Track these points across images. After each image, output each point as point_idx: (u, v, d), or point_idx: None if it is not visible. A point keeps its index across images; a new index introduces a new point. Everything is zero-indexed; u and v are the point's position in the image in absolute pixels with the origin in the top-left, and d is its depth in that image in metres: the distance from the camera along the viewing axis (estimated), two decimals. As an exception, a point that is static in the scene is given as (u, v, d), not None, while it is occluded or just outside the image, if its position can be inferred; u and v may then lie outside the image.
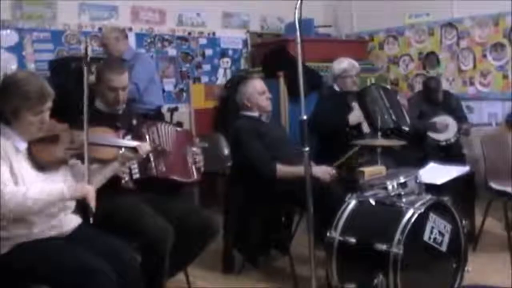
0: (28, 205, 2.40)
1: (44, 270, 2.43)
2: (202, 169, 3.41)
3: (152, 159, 3.16)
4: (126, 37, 5.20)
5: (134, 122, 3.35)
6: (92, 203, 2.53)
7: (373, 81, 6.03)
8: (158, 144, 3.22)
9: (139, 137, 3.16)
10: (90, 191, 2.54)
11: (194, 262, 3.38)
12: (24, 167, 2.54)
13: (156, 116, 4.85)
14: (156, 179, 3.20)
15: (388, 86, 5.42)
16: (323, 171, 3.78)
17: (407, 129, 4.72)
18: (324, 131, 4.38)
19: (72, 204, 2.73)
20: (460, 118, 5.70)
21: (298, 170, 3.54)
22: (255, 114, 4.02)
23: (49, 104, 2.59)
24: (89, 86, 2.70)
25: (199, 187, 5.48)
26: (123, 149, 2.92)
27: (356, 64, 4.82)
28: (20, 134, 2.56)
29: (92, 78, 3.20)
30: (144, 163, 3.13)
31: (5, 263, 2.48)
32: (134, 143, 2.99)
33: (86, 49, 2.76)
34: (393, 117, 4.71)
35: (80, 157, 2.66)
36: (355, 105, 4.64)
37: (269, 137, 3.91)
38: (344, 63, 4.76)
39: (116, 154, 2.89)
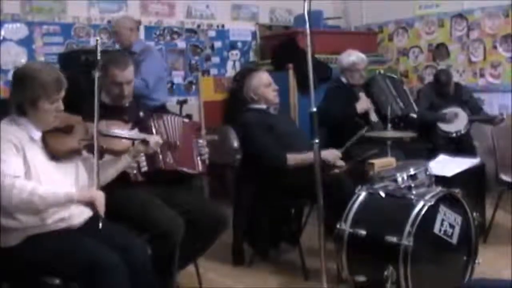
0: (34, 202, 2.40)
1: (56, 263, 2.45)
2: (207, 161, 3.39)
3: (159, 151, 3.14)
4: (138, 29, 5.18)
5: (141, 115, 3.35)
6: (101, 209, 2.52)
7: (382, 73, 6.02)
8: (166, 137, 3.22)
9: (145, 129, 3.15)
10: (98, 197, 2.54)
11: (204, 254, 3.40)
12: (37, 156, 2.56)
13: (160, 110, 4.83)
14: (164, 171, 3.20)
15: (394, 75, 5.39)
16: (332, 154, 3.78)
17: (415, 116, 4.71)
18: (332, 123, 4.37)
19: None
20: (476, 111, 5.67)
21: (308, 157, 3.54)
22: (263, 106, 4.01)
23: (63, 92, 2.62)
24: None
25: (209, 180, 5.49)
26: (135, 142, 2.92)
27: (364, 57, 4.81)
28: (36, 124, 2.59)
29: None
30: (151, 156, 3.13)
31: (17, 255, 2.50)
32: (146, 136, 2.99)
33: (96, 44, 2.77)
34: (401, 105, 4.72)
35: (93, 149, 2.65)
36: (362, 95, 4.65)
37: (278, 129, 3.90)
38: (352, 56, 4.75)
39: (128, 146, 2.90)
